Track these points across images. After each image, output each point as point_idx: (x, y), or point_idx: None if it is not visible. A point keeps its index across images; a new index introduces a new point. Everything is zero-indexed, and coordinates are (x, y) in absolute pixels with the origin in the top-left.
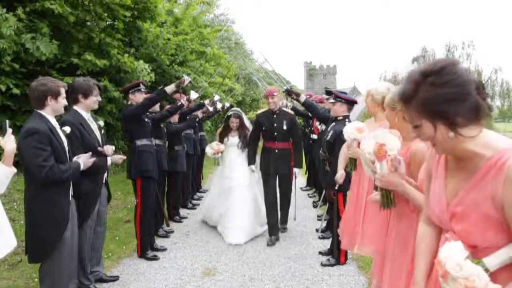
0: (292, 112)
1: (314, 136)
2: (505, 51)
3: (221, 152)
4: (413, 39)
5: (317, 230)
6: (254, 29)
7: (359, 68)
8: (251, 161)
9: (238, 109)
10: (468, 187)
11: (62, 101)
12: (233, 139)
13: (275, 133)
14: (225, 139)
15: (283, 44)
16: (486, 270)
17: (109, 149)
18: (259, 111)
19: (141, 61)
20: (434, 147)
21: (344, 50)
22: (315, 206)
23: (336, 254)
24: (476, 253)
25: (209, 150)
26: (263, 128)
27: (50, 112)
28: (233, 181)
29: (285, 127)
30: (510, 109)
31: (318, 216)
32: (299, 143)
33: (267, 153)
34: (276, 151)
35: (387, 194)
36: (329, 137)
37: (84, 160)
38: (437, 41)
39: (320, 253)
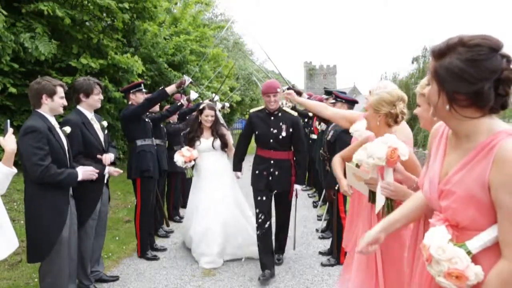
0: (295, 114)
1: (314, 136)
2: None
3: (194, 160)
4: (413, 39)
5: (317, 230)
6: (254, 28)
7: (359, 68)
8: (236, 167)
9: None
10: (458, 167)
11: (60, 100)
12: (207, 141)
13: (271, 140)
14: (197, 143)
15: (283, 44)
16: (469, 252)
17: (107, 158)
18: (252, 109)
19: (129, 54)
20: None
21: (344, 50)
22: (315, 206)
23: (336, 254)
24: (458, 234)
25: (178, 158)
26: (256, 132)
27: (48, 111)
28: (211, 194)
29: (283, 134)
30: (510, 109)
31: (318, 216)
32: (302, 154)
33: (259, 163)
34: (272, 162)
35: (390, 204)
36: (329, 137)
37: (83, 172)
38: (438, 41)
39: (320, 253)
